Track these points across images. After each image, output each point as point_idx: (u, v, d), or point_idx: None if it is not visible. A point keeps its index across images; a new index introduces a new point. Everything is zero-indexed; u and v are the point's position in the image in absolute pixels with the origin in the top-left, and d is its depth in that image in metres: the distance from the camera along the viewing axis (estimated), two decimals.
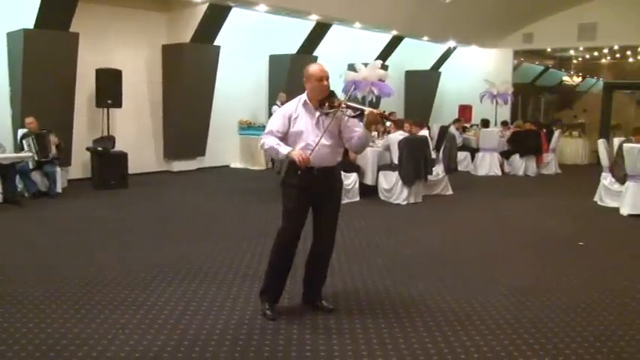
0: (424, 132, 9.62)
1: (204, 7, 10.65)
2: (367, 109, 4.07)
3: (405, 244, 6.46)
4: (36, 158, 8.59)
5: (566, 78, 20.65)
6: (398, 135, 9.04)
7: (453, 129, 12.84)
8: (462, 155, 13.25)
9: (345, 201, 8.51)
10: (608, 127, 16.76)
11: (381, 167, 9.19)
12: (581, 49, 17.89)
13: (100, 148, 9.70)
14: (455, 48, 17.65)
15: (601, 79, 19.57)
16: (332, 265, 4.61)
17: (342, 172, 8.44)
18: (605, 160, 9.25)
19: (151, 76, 11.47)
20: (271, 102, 12.73)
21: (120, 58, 10.61)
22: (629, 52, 17.70)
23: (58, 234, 6.69)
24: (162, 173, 11.63)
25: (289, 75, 12.57)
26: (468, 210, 8.74)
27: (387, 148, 9.13)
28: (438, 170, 9.78)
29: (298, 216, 4.13)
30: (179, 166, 11.87)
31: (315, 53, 13.31)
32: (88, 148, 9.88)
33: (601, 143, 9.51)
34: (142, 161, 11.12)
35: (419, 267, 5.59)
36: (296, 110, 4.12)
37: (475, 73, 16.79)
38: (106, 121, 9.96)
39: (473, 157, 13.25)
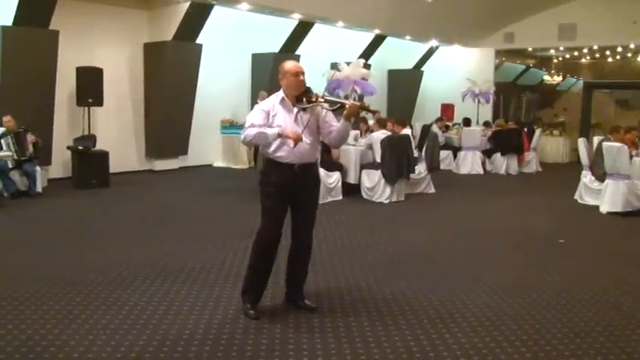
0: (407, 131, 9.66)
1: (186, 5, 10.58)
2: (348, 102, 4.08)
3: (387, 242, 6.48)
4: (15, 157, 8.47)
5: (546, 77, 20.90)
6: (380, 134, 9.08)
7: (435, 128, 12.93)
8: (444, 154, 13.31)
9: (327, 199, 8.55)
10: (588, 126, 17.03)
11: (363, 166, 9.21)
12: (561, 48, 18.10)
13: (80, 147, 9.60)
14: (437, 47, 17.73)
15: (581, 78, 19.81)
16: (315, 263, 4.61)
17: (325, 171, 8.52)
18: (585, 159, 9.36)
19: (133, 74, 11.36)
20: (253, 101, 12.68)
21: (101, 56, 10.50)
22: (608, 52, 17.98)
23: (37, 234, 6.61)
24: (144, 172, 11.53)
25: (272, 74, 12.47)
26: (451, 208, 8.80)
27: (370, 147, 9.16)
28: (421, 169, 9.83)
29: (277, 215, 4.11)
30: (161, 165, 11.78)
31: (297, 52, 13.27)
32: (68, 147, 9.78)
33: (581, 142, 9.61)
34: (124, 160, 11.01)
35: (401, 265, 5.61)
36: (274, 107, 4.11)
37: (457, 72, 16.89)
38: (87, 119, 9.84)
39: (455, 156, 13.33)
